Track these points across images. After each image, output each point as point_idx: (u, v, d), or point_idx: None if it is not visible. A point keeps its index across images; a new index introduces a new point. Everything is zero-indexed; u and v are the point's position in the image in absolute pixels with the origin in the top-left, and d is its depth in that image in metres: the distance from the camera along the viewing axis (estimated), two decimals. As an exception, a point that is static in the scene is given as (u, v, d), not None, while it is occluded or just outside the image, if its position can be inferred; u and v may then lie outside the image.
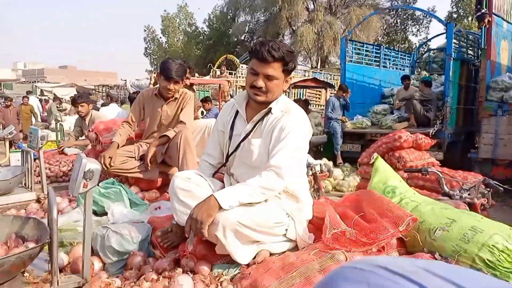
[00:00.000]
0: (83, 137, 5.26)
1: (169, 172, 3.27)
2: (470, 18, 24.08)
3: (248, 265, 1.86)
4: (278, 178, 1.88)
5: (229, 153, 2.13)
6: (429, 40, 14.67)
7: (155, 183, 3.30)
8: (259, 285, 1.62)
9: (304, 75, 16.90)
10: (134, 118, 3.31)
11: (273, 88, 1.96)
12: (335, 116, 8.12)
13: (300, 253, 1.88)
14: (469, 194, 2.73)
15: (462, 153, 7.40)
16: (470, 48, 8.61)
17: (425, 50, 12.98)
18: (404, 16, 27.63)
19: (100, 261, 2.13)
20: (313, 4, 25.64)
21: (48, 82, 28.72)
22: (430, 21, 26.78)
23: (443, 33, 10.21)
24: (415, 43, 26.55)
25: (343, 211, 2.15)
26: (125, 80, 19.04)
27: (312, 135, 2.23)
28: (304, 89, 14.73)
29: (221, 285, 1.75)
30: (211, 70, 18.50)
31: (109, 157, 3.00)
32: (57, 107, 13.34)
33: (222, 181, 2.19)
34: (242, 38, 29.28)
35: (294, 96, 13.46)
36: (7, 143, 4.84)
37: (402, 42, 27.70)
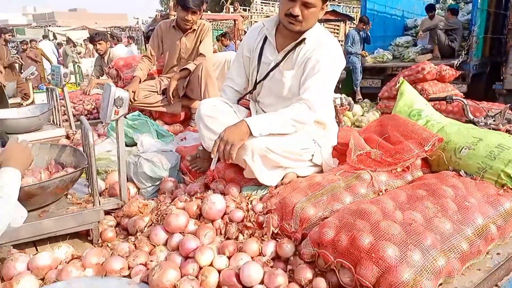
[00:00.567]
0: (104, 77, 5.29)
1: (191, 105, 3.31)
2: None
3: (276, 187, 1.94)
4: (310, 112, 1.88)
5: (257, 81, 2.11)
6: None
7: (178, 117, 3.36)
8: (288, 202, 1.70)
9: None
10: (153, 52, 3.30)
11: (310, 16, 1.84)
12: (354, 50, 7.85)
13: (326, 174, 1.95)
14: (494, 121, 2.70)
15: (486, 85, 7.17)
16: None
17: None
18: None
19: (134, 187, 2.26)
20: None
21: (59, 26, 28.32)
22: None
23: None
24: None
25: (368, 136, 2.17)
26: (137, 19, 18.57)
27: None
28: (322, 23, 14.14)
29: (251, 203, 1.84)
30: (224, 7, 17.79)
31: (133, 91, 3.04)
32: (71, 51, 13.28)
33: (248, 108, 2.21)
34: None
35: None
36: (30, 84, 4.93)
37: (427, -31, 25.77)
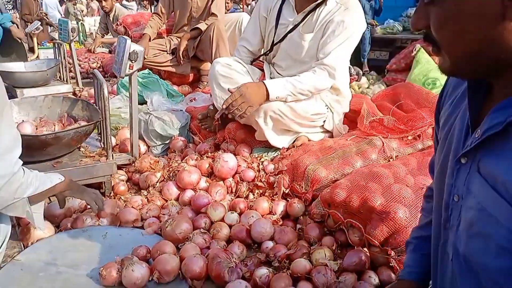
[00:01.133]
0: (109, 35, 5.20)
1: (201, 67, 3.28)
2: None
3: (287, 149, 1.95)
4: (330, 78, 1.85)
5: (274, 43, 2.06)
6: None
7: (187, 78, 3.33)
8: (300, 163, 1.72)
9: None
10: (164, 9, 3.22)
11: None
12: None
13: (337, 139, 1.96)
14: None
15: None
16: None
17: None
18: None
19: (144, 144, 2.27)
20: None
21: (60, -18, 27.46)
22: None
23: None
24: None
25: (380, 103, 2.16)
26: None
27: None
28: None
29: (262, 164, 1.86)
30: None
31: (142, 49, 2.99)
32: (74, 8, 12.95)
33: (262, 69, 2.19)
34: None
35: None
36: (35, 39, 4.84)
37: None
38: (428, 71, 2.16)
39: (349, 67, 4.65)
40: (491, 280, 0.63)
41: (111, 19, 5.02)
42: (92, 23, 9.67)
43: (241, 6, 9.95)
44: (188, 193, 1.73)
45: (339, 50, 1.83)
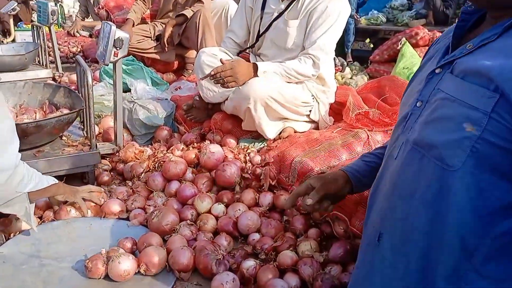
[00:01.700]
0: (90, 19, 5.04)
1: (186, 55, 3.22)
2: None
3: (274, 141, 1.96)
4: (315, 68, 1.88)
5: (260, 33, 2.06)
6: None
7: (171, 65, 3.27)
8: (286, 155, 1.73)
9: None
10: (148, -7, 3.14)
11: None
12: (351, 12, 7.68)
13: (323, 131, 1.98)
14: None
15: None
16: None
17: None
18: None
19: (128, 134, 2.24)
20: None
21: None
22: None
23: None
24: None
25: (366, 96, 2.18)
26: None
27: None
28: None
29: (248, 155, 1.86)
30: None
31: (125, 35, 2.91)
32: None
33: (248, 60, 2.17)
34: None
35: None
36: (11, 20, 4.65)
37: None
38: (412, 65, 2.19)
39: (334, 58, 4.68)
40: (435, 156, 0.74)
41: (91, 1, 4.87)
42: (71, 5, 9.34)
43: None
44: (174, 184, 1.71)
45: (324, 39, 1.85)
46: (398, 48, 2.35)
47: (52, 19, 3.14)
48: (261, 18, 2.02)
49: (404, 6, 8.06)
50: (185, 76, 3.12)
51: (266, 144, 1.94)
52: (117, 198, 1.65)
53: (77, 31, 4.69)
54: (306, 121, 2.09)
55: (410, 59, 2.25)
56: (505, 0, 0.73)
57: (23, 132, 1.56)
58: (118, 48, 1.73)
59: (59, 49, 4.15)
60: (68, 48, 4.31)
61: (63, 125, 1.73)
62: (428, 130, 0.77)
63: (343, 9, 1.90)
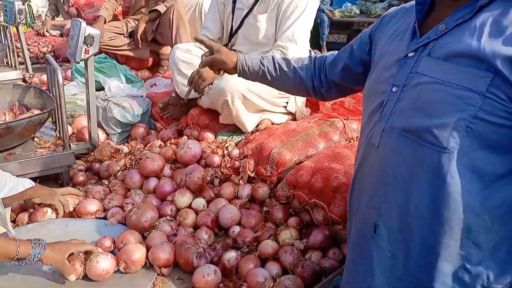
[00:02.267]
0: (60, 17, 4.91)
1: (160, 51, 3.18)
2: None
3: (251, 133, 1.96)
4: None
5: (233, 31, 2.05)
6: None
7: (146, 62, 3.23)
8: (265, 147, 1.73)
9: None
10: (120, -10, 3.07)
11: None
12: (323, 7, 7.75)
13: (300, 122, 1.99)
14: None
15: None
16: None
17: None
18: None
19: (103, 132, 2.19)
20: None
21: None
22: None
23: None
24: None
25: (340, 86, 2.21)
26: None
27: None
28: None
29: (226, 149, 1.86)
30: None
31: (97, 33, 2.85)
32: (19, -12, 12.09)
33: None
34: None
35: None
36: (-23, 21, 4.48)
37: None
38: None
39: (310, 50, 4.70)
40: (428, 141, 0.75)
41: (61, 0, 4.74)
42: (39, 4, 9.05)
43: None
44: (153, 181, 1.69)
45: (292, 29, 1.85)
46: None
47: (19, 19, 3.04)
48: (233, 14, 2.02)
49: (377, -2, 8.17)
50: (161, 73, 3.08)
51: (244, 137, 1.94)
52: (93, 197, 1.62)
53: (47, 31, 4.55)
54: (283, 113, 2.09)
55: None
56: None
57: (-8, 134, 1.52)
58: (89, 45, 1.69)
59: (28, 50, 4.03)
60: (38, 48, 4.18)
61: (34, 126, 1.68)
62: (418, 115, 0.76)
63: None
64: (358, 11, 8.02)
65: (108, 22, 3.01)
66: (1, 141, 1.59)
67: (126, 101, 2.25)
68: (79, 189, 1.70)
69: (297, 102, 2.08)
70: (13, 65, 3.19)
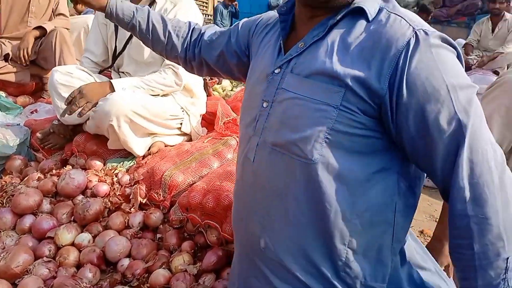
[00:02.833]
0: None
1: (45, 75, 2.91)
2: None
3: (143, 157, 1.87)
4: (177, 77, 1.86)
5: (118, 52, 1.97)
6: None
7: (28, 87, 2.91)
8: (156, 170, 1.66)
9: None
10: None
11: None
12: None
13: (195, 142, 1.96)
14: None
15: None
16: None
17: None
18: None
19: (-30, 168, 1.91)
20: None
21: None
22: None
23: None
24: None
25: (235, 104, 2.25)
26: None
27: None
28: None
29: (116, 176, 1.74)
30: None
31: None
32: None
33: (110, 78, 2.05)
34: None
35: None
36: None
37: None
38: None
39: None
40: (296, 154, 0.78)
41: None
42: None
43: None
44: (28, 219, 1.50)
45: None
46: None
47: None
48: (116, 34, 1.94)
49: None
50: (45, 98, 2.81)
51: (135, 162, 1.84)
52: (-50, 246, 1.38)
53: None
54: (177, 134, 2.05)
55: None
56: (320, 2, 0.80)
57: None
58: None
59: None
60: None
61: None
62: (285, 130, 0.80)
63: (196, 15, 1.92)
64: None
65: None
66: None
67: (-2, 131, 1.99)
68: None
69: (191, 122, 2.06)
70: None
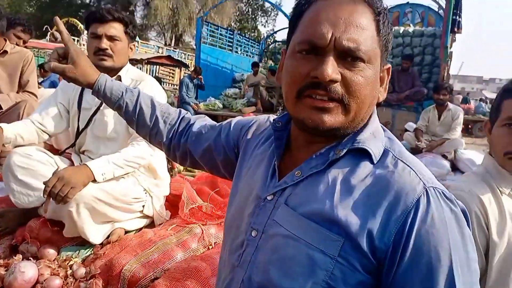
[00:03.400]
0: None
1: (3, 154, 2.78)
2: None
3: (102, 245, 1.78)
4: (150, 147, 1.86)
5: (80, 130, 1.96)
6: (275, 32, 15.90)
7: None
8: (115, 263, 1.58)
9: (158, 52, 16.33)
10: None
11: (119, 51, 1.88)
12: (190, 100, 8.24)
13: (158, 230, 1.91)
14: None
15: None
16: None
17: (271, 41, 14.06)
18: (255, 6, 29.40)
19: None
20: (169, -22, 24.87)
21: None
22: (277, 14, 29.13)
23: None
24: (264, 33, 28.40)
25: (200, 187, 2.25)
26: None
27: None
28: (157, 66, 14.28)
29: (71, 268, 1.63)
30: (48, 33, 16.09)
31: None
32: None
33: (71, 160, 2.00)
34: (88, 1, 26.32)
35: (147, 73, 12.91)
36: None
37: (252, 30, 29.34)
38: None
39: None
40: None
41: None
42: None
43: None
44: (-36, 322, 1.35)
45: None
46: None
47: None
48: (79, 114, 1.96)
49: (237, 94, 9.04)
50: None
51: (93, 251, 1.74)
52: None
53: None
54: (139, 217, 1.99)
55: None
56: (329, 130, 0.72)
57: None
58: None
59: None
60: None
61: None
62: (274, 272, 0.71)
63: (160, 92, 1.97)
64: (221, 105, 8.68)
65: None
66: None
67: None
68: None
69: (154, 205, 2.01)
70: None
